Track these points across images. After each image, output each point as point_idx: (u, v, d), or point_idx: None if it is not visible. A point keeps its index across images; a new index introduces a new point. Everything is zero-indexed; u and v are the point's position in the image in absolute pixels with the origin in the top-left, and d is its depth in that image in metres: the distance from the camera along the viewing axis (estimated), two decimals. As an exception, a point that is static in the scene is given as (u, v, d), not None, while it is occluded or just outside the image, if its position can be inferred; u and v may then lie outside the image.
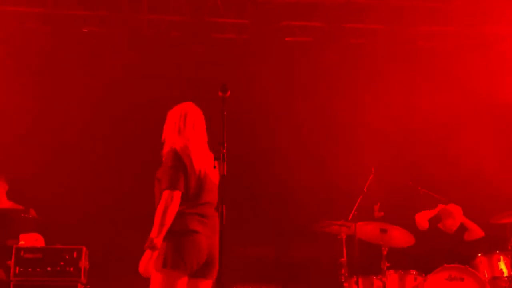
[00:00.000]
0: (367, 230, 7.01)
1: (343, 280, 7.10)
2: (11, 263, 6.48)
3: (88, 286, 6.73)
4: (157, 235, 4.46)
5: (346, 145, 8.51)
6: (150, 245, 4.45)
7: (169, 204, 4.52)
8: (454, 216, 7.62)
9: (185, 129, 4.86)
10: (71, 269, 6.50)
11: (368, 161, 7.62)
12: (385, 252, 6.95)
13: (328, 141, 8.59)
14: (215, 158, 4.84)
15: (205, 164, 4.81)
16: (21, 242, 6.63)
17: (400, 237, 7.05)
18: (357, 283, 6.83)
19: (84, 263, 6.58)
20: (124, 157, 8.41)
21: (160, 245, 4.47)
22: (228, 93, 4.82)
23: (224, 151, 4.91)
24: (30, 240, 6.68)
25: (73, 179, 8.48)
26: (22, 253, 6.51)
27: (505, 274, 6.89)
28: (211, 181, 4.83)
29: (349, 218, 7.07)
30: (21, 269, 6.47)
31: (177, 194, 4.57)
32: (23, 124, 8.36)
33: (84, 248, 6.63)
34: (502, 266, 6.94)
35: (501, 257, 6.97)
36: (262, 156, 8.57)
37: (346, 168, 8.27)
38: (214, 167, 4.78)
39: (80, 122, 8.50)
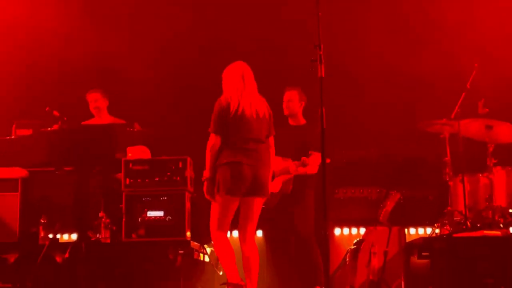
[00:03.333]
0: (471, 127, 6.84)
1: (447, 179, 7.01)
2: (121, 175, 6.76)
3: (195, 194, 6.94)
4: (206, 168, 5.83)
5: (449, 41, 8.19)
6: (203, 176, 5.85)
7: (209, 145, 5.80)
8: None
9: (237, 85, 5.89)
10: (178, 178, 6.70)
11: (471, 56, 7.35)
12: (491, 149, 6.78)
13: (428, 38, 8.30)
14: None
15: (248, 106, 5.79)
16: (129, 155, 6.86)
17: (506, 133, 6.85)
18: (462, 181, 6.72)
19: (189, 173, 6.77)
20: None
21: (208, 176, 5.79)
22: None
23: (321, 52, 4.87)
24: (137, 152, 6.89)
25: (175, 92, 8.64)
26: (130, 165, 6.76)
27: None
28: (254, 120, 5.78)
29: (452, 116, 6.91)
30: (131, 181, 6.73)
31: (213, 137, 5.79)
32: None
33: (189, 158, 6.80)
34: None
35: None
36: (360, 57, 8.39)
37: (448, 65, 8.00)
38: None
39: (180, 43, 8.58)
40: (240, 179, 5.72)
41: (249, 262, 5.84)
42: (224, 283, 5.81)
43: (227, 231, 5.92)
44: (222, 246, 5.82)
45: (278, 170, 6.59)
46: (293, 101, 6.94)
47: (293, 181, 6.68)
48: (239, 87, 5.87)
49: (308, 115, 6.97)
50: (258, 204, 5.91)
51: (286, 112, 6.98)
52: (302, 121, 7.02)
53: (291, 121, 7.04)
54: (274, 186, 6.53)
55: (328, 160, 5.90)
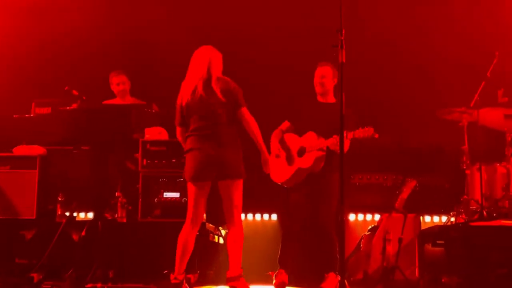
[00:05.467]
0: (490, 116, 6.80)
1: (464, 167, 7.00)
2: (139, 155, 6.79)
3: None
4: None
5: (470, 29, 8.12)
6: None
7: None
8: None
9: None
10: (195, 160, 6.72)
11: (492, 45, 7.29)
12: (509, 138, 6.75)
13: (449, 26, 8.24)
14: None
15: (189, 96, 5.77)
16: (146, 136, 6.89)
17: (526, 123, 6.81)
18: (479, 170, 6.70)
19: (206, 154, 6.77)
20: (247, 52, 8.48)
21: None
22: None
23: (342, 38, 4.85)
24: (154, 133, 6.92)
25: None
26: (148, 146, 6.80)
27: None
28: (205, 103, 5.73)
29: (471, 104, 6.88)
30: (148, 161, 6.77)
31: (177, 129, 5.92)
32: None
33: (206, 140, 6.80)
34: None
35: None
36: (380, 43, 8.35)
37: (469, 53, 7.94)
38: None
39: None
40: (197, 165, 5.70)
41: (234, 246, 5.75)
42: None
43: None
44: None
45: (310, 146, 6.30)
46: (327, 77, 6.46)
47: (324, 160, 6.31)
48: (191, 75, 5.84)
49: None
50: (228, 187, 5.77)
51: (319, 90, 6.51)
52: (333, 99, 6.57)
53: (320, 99, 6.56)
54: (306, 162, 6.29)
55: (376, 135, 5.89)
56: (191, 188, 5.79)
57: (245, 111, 5.79)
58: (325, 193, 6.27)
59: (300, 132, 6.44)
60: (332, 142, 6.11)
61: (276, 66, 8.37)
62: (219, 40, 8.35)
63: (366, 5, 8.19)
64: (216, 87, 5.74)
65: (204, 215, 6.70)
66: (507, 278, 6.00)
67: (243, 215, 8.12)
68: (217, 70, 5.87)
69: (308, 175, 6.34)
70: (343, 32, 4.80)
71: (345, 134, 5.43)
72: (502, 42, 7.55)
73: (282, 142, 6.51)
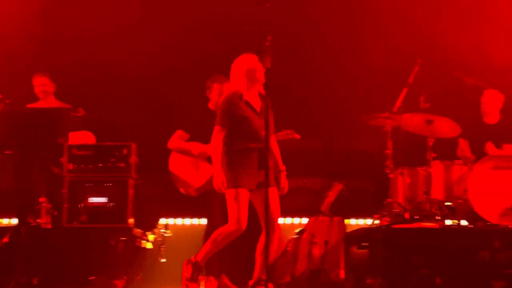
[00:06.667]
0: (412, 121, 6.99)
1: (388, 171, 7.16)
2: (64, 160, 6.68)
3: (139, 181, 6.91)
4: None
5: (394, 36, 8.32)
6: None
7: None
8: (486, 101, 7.49)
9: None
10: (122, 165, 6.67)
11: (414, 52, 7.50)
12: (430, 143, 6.95)
13: (373, 32, 8.42)
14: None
15: None
16: (72, 140, 6.79)
17: (446, 128, 7.02)
18: (402, 174, 6.88)
19: (134, 159, 6.74)
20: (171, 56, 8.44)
21: None
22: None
23: (268, 44, 4.90)
24: (81, 137, 6.83)
25: (121, 77, 8.55)
26: (74, 150, 6.69)
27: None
28: None
29: (395, 110, 7.05)
30: (74, 166, 6.66)
31: None
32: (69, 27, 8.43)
33: (134, 145, 6.76)
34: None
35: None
36: (306, 49, 8.47)
37: (393, 60, 8.14)
38: None
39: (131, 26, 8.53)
40: None
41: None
42: None
43: None
44: None
45: None
46: None
47: None
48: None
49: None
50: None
51: None
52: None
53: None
54: None
55: (298, 136, 6.32)
56: None
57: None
58: None
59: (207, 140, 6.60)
60: None
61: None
62: (149, 42, 8.41)
63: (293, 11, 8.27)
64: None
65: (132, 219, 6.66)
66: (428, 278, 6.17)
67: (171, 220, 8.20)
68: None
69: None
70: (269, 38, 4.85)
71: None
72: (424, 50, 7.76)
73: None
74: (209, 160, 6.53)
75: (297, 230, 7.31)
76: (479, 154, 6.89)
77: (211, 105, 6.91)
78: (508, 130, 7.37)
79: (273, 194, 5.77)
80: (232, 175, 5.75)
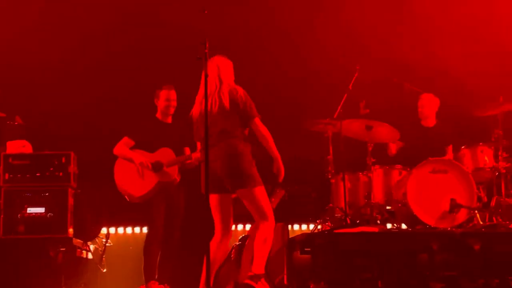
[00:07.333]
0: (352, 127, 7.07)
1: (329, 177, 7.23)
2: (0, 169, 6.52)
3: (78, 190, 6.80)
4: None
5: (333, 43, 8.41)
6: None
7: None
8: (423, 105, 7.65)
9: None
10: (60, 174, 6.57)
11: (353, 59, 7.59)
12: (370, 148, 7.04)
13: (313, 39, 8.50)
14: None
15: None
16: (9, 149, 6.64)
17: (385, 133, 7.13)
18: (343, 179, 6.95)
19: (73, 168, 6.64)
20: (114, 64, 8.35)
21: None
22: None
23: (206, 50, 4.91)
24: (17, 146, 6.69)
25: (60, 84, 8.40)
26: (10, 159, 6.56)
27: (488, 164, 7.01)
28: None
29: (335, 116, 7.12)
30: (11, 175, 6.53)
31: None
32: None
33: (72, 154, 6.67)
34: (485, 157, 7.05)
35: (484, 149, 7.07)
36: (246, 56, 8.46)
37: (332, 67, 8.23)
38: None
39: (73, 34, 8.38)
40: None
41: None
42: None
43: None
44: None
45: (169, 161, 6.74)
46: (175, 100, 6.92)
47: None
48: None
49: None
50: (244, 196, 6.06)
51: (171, 111, 6.95)
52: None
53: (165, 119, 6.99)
54: (167, 175, 6.72)
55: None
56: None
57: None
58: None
59: (152, 148, 6.70)
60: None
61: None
62: (99, 46, 8.29)
63: (232, 17, 8.29)
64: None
65: (71, 229, 6.55)
66: (371, 282, 6.24)
67: (113, 229, 8.10)
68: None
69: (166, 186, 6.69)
70: (207, 45, 4.85)
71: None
72: (362, 57, 7.87)
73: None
74: (154, 169, 6.59)
75: (240, 237, 7.30)
76: (418, 157, 7.01)
77: (158, 115, 6.91)
78: (444, 133, 7.57)
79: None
80: (256, 172, 5.90)
